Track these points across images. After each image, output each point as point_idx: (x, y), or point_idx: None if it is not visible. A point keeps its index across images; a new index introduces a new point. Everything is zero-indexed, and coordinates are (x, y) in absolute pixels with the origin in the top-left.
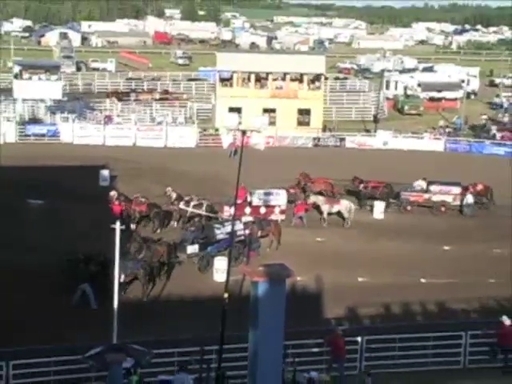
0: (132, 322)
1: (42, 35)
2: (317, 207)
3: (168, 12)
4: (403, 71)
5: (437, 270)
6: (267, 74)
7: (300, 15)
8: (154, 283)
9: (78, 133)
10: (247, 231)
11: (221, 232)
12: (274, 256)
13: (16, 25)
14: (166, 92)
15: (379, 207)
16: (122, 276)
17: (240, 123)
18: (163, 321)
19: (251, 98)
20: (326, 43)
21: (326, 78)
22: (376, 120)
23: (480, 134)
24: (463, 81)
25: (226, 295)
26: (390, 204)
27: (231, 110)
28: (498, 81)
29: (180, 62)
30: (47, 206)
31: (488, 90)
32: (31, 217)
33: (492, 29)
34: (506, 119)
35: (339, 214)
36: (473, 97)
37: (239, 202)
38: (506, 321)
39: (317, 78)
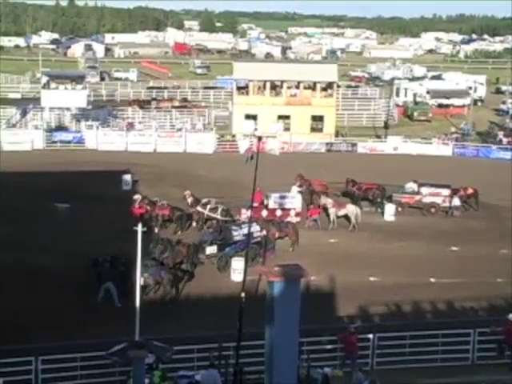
0: (153, 320)
1: (68, 47)
2: (325, 209)
3: (187, 24)
4: (412, 79)
5: (446, 270)
6: (282, 82)
7: (313, 26)
8: (178, 290)
9: (101, 139)
10: (263, 233)
11: (238, 234)
12: (289, 257)
13: (44, 38)
14: (185, 100)
15: (390, 210)
16: (142, 280)
17: (256, 129)
18: (183, 318)
19: (266, 106)
20: (338, 53)
21: (339, 86)
22: (386, 126)
23: (487, 139)
24: (470, 88)
25: (243, 294)
26: (382, 205)
27: (247, 116)
28: (504, 88)
29: (198, 71)
30: (73, 209)
31: (494, 97)
32: (58, 219)
33: (498, 38)
34: (511, 125)
35: (346, 217)
36: (480, 103)
37: (256, 205)
38: None
39: (329, 85)
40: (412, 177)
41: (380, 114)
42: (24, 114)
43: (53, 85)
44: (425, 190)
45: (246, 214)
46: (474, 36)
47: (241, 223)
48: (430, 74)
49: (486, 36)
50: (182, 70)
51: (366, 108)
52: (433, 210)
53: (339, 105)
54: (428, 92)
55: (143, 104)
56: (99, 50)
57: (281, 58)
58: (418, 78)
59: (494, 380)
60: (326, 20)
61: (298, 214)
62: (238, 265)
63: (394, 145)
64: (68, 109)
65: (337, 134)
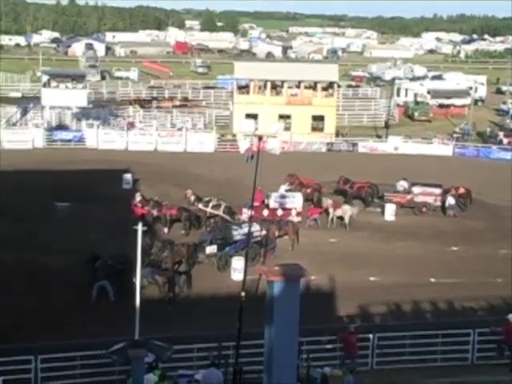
0: (153, 319)
1: (69, 46)
2: (325, 210)
3: (188, 23)
4: (413, 79)
5: (446, 270)
6: (282, 81)
7: (314, 26)
8: (174, 292)
9: (102, 138)
10: (263, 232)
11: (238, 233)
12: (289, 256)
13: (45, 36)
14: (186, 99)
15: (390, 209)
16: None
17: (256, 129)
18: (183, 318)
19: (267, 105)
20: (339, 52)
21: (339, 86)
22: (387, 126)
23: (487, 140)
24: (471, 88)
25: (243, 294)
26: (373, 203)
27: (248, 116)
28: (504, 88)
29: (199, 70)
30: (74, 208)
31: (495, 97)
32: (59, 218)
33: (499, 38)
34: None
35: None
36: (480, 104)
37: (257, 204)
38: None
39: (330, 85)
40: (412, 177)
41: (381, 114)
42: (24, 112)
43: (53, 84)
44: (416, 190)
45: (247, 213)
46: (475, 36)
47: (241, 222)
48: (430, 74)
49: (486, 36)
50: (182, 69)
51: (367, 108)
52: (424, 209)
53: (340, 105)
54: (429, 92)
55: (144, 103)
56: (100, 48)
57: (282, 57)
58: (419, 78)
59: (493, 380)
60: (326, 20)
61: (298, 214)
62: (238, 264)
63: (395, 145)
64: (68, 108)
65: (337, 134)
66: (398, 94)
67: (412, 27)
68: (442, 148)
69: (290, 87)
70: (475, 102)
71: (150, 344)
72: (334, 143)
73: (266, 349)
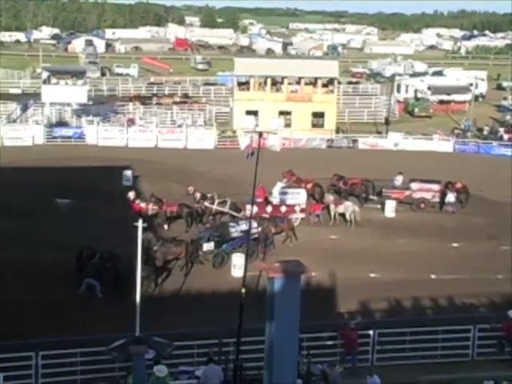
0: (154, 316)
1: (69, 42)
2: (327, 206)
3: (188, 19)
4: (414, 75)
5: (446, 267)
6: (283, 78)
7: (314, 22)
8: (156, 285)
9: (102, 135)
10: (260, 229)
11: (235, 230)
12: (290, 253)
13: (45, 33)
14: (186, 96)
15: (390, 206)
16: None
17: (257, 125)
18: (183, 314)
19: (267, 102)
20: (340, 49)
21: (340, 82)
22: (387, 122)
23: (488, 136)
24: (471, 84)
25: (243, 290)
26: (369, 200)
27: (248, 112)
28: (505, 84)
29: (200, 67)
30: (74, 204)
31: (495, 93)
32: (59, 215)
33: (499, 34)
34: None
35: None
36: (481, 99)
37: (260, 200)
38: None
39: (330, 81)
40: (412, 173)
41: (381, 110)
42: (25, 109)
43: (53, 80)
44: (415, 186)
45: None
46: (476, 32)
47: (238, 219)
48: (431, 70)
49: (487, 32)
50: (183, 65)
51: (367, 104)
52: (422, 205)
53: (340, 101)
54: (429, 88)
55: (144, 100)
56: (100, 45)
57: (282, 54)
58: (419, 74)
59: (493, 376)
60: (327, 16)
61: (302, 210)
62: (238, 260)
63: (395, 141)
64: (69, 104)
65: (338, 131)
66: (399, 91)
67: (412, 23)
68: (442, 144)
69: (290, 84)
70: (476, 98)
71: (151, 340)
72: (335, 140)
73: (266, 345)
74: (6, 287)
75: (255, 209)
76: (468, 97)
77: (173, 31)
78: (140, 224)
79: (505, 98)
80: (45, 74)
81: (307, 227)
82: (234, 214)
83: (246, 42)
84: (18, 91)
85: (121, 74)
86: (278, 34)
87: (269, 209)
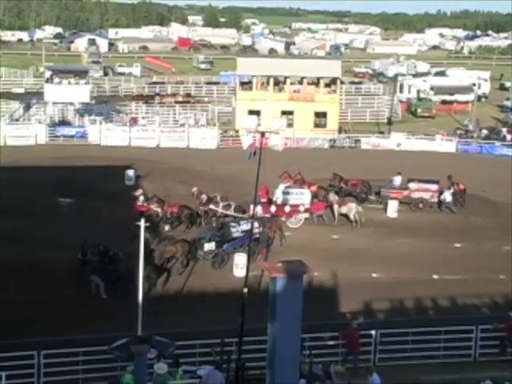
0: (156, 315)
1: (72, 41)
2: (330, 206)
3: (191, 19)
4: (416, 75)
5: (448, 267)
6: (285, 78)
7: (317, 22)
8: (156, 284)
9: (104, 134)
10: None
11: (236, 230)
12: (292, 252)
13: (48, 32)
14: (189, 95)
15: (392, 206)
16: None
17: (259, 125)
18: (186, 314)
19: (270, 101)
20: (342, 48)
21: (342, 82)
22: (390, 122)
23: (491, 136)
24: (474, 84)
25: (245, 290)
26: (367, 200)
27: (251, 112)
28: (508, 84)
29: (202, 66)
30: (76, 203)
31: (498, 94)
32: (61, 214)
33: (502, 34)
34: None
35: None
36: (483, 100)
37: (264, 200)
38: None
39: (333, 81)
40: (414, 173)
41: (383, 110)
42: (27, 108)
43: (56, 79)
44: (413, 186)
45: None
46: (479, 32)
47: (239, 220)
48: (433, 71)
49: (490, 32)
50: (185, 65)
51: (370, 104)
52: (421, 205)
53: (343, 101)
54: (432, 88)
55: (146, 99)
56: (103, 44)
57: (284, 53)
58: (422, 74)
59: (496, 376)
60: (329, 16)
61: (306, 210)
62: (240, 260)
63: (398, 141)
64: (71, 103)
65: (340, 130)
66: (401, 91)
67: (415, 23)
68: (445, 144)
69: (292, 83)
70: (478, 98)
71: (153, 340)
72: (337, 139)
73: (268, 345)
74: (7, 285)
75: (259, 209)
76: (471, 97)
77: (175, 31)
78: (142, 223)
79: (508, 99)
80: (47, 73)
81: (309, 227)
82: (240, 215)
83: (249, 41)
84: (21, 90)
85: (123, 74)
86: (280, 34)
87: (273, 209)
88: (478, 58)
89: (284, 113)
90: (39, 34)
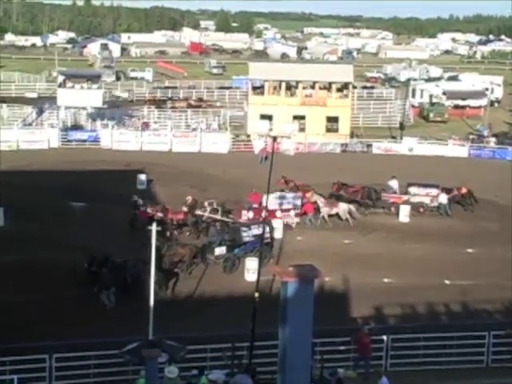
0: (167, 319)
1: (85, 46)
2: (317, 208)
3: (203, 24)
4: (429, 80)
5: (460, 272)
6: (297, 82)
7: (329, 26)
8: (167, 288)
9: (117, 138)
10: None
11: (247, 234)
12: (303, 257)
13: (61, 37)
14: (201, 100)
15: (404, 211)
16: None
17: (271, 130)
18: (197, 318)
19: (282, 106)
20: (354, 53)
21: (354, 87)
22: (402, 127)
23: (503, 141)
24: (487, 89)
25: (256, 294)
26: (374, 206)
27: (262, 117)
28: None
29: (214, 71)
30: (88, 208)
31: (511, 98)
32: (73, 218)
33: None
34: None
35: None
36: (496, 105)
37: (256, 206)
38: None
39: (345, 86)
40: (426, 178)
41: (395, 115)
42: (40, 112)
43: (69, 84)
44: (413, 190)
45: (246, 215)
46: (492, 37)
47: (250, 224)
48: (446, 75)
49: (503, 37)
50: (197, 69)
51: (382, 109)
52: (421, 209)
53: (354, 105)
54: (444, 93)
55: (158, 103)
56: (115, 49)
57: (296, 58)
58: (435, 79)
59: (508, 383)
60: (342, 20)
61: (297, 215)
62: (251, 265)
63: (410, 146)
64: (84, 108)
65: (352, 135)
66: (414, 95)
67: (428, 28)
68: (457, 149)
69: (304, 88)
70: (491, 103)
71: (164, 344)
72: (349, 144)
73: (279, 349)
74: (19, 288)
75: (251, 214)
76: (483, 102)
77: (188, 35)
78: (154, 227)
79: None
80: (60, 78)
81: (320, 232)
82: (226, 219)
83: (261, 46)
84: (34, 95)
85: (136, 78)
86: (292, 39)
87: (264, 214)
88: (491, 62)
89: (296, 117)
90: (52, 38)
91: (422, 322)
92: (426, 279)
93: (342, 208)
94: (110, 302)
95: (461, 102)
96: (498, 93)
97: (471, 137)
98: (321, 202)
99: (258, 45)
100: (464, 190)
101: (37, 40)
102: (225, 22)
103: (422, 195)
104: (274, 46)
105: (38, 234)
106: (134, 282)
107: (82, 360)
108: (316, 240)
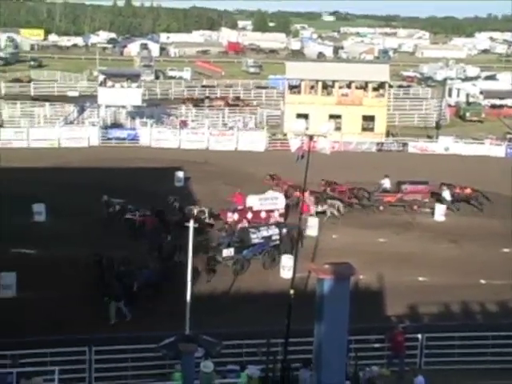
0: (203, 314)
1: (125, 46)
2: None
3: (240, 24)
4: (466, 79)
5: (496, 272)
6: (333, 81)
7: (365, 26)
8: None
9: (155, 137)
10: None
11: (256, 236)
12: (337, 255)
13: (102, 37)
14: (238, 99)
15: (440, 210)
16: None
17: (307, 128)
18: (233, 314)
19: (318, 105)
20: (391, 52)
21: (390, 86)
22: (438, 126)
23: None
24: None
25: (291, 291)
26: (362, 206)
27: (299, 116)
28: None
29: (251, 70)
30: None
31: None
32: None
33: None
34: None
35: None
36: None
37: (241, 207)
38: None
39: (381, 85)
40: (459, 178)
41: (431, 114)
42: (81, 111)
43: (109, 83)
44: (405, 188)
45: (231, 217)
46: None
47: (259, 226)
48: (483, 75)
49: None
50: (234, 69)
51: (418, 108)
52: (415, 207)
53: (390, 105)
54: (481, 92)
55: (196, 102)
56: (154, 49)
57: (333, 57)
58: (472, 79)
59: None
60: (378, 20)
61: (281, 215)
62: (287, 262)
63: (446, 145)
64: (123, 106)
65: (388, 134)
66: (450, 95)
67: (465, 27)
68: (493, 149)
69: (340, 87)
70: None
71: (200, 339)
72: (384, 143)
73: (315, 346)
74: (60, 283)
75: (236, 216)
76: None
77: (225, 35)
78: (191, 224)
79: None
80: (101, 77)
81: (355, 230)
82: (211, 222)
83: (298, 45)
84: (76, 94)
85: (174, 77)
86: (329, 38)
87: (249, 215)
88: None
89: (332, 116)
90: (93, 39)
91: (457, 321)
92: (461, 278)
93: (328, 204)
94: (126, 314)
95: (498, 102)
96: None
97: (508, 136)
98: (310, 200)
99: (295, 44)
100: (468, 191)
101: (79, 40)
102: (262, 22)
103: (414, 192)
104: (310, 45)
105: (78, 231)
106: (150, 285)
107: (120, 353)
108: (351, 238)
